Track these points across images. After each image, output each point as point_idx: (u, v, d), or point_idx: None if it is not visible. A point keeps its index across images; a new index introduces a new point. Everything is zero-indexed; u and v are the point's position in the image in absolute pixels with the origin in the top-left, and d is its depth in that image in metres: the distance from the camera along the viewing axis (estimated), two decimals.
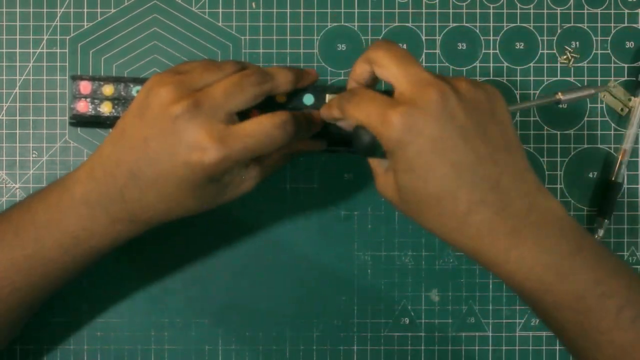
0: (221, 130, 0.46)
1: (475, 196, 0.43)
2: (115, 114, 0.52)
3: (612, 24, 0.62)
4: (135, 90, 0.52)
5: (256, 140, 0.46)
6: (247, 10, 0.61)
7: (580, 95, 0.54)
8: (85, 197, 0.49)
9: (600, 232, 0.60)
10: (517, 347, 0.61)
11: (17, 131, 0.60)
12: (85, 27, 0.61)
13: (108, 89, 0.51)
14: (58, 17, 0.61)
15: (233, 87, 0.47)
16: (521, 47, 0.62)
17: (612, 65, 0.62)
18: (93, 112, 0.52)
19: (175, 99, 0.46)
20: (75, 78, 0.52)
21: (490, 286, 0.61)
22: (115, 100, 0.52)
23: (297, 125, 0.48)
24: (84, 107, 0.51)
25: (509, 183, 0.43)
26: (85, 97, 0.51)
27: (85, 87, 0.51)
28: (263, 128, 0.47)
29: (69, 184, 0.50)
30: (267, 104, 0.50)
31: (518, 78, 0.61)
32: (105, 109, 0.52)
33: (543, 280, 0.43)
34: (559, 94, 0.53)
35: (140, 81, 0.52)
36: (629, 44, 0.62)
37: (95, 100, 0.51)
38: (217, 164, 0.46)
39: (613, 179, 0.61)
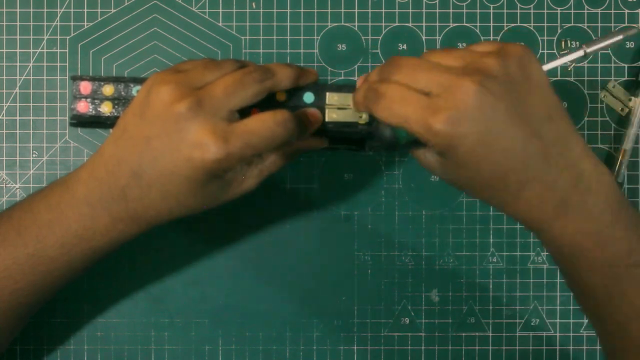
0: (223, 128, 0.46)
1: (525, 175, 0.43)
2: (115, 114, 0.52)
3: (612, 24, 0.62)
4: (135, 90, 0.52)
5: (258, 137, 0.46)
6: (247, 10, 0.61)
7: (607, 44, 0.51)
8: (87, 197, 0.49)
9: None
10: (517, 347, 0.61)
11: (17, 131, 0.60)
12: (85, 27, 0.61)
13: (108, 89, 0.51)
14: (58, 17, 0.61)
15: (234, 85, 0.47)
16: None
17: (612, 65, 0.62)
18: (93, 112, 0.52)
19: (177, 98, 0.46)
20: (75, 78, 0.52)
21: (491, 286, 0.61)
22: (116, 100, 0.52)
23: (297, 123, 0.48)
24: (84, 107, 0.51)
25: (556, 154, 0.44)
26: (86, 97, 0.51)
27: (85, 87, 0.51)
28: (264, 125, 0.47)
29: (71, 184, 0.50)
30: (267, 102, 0.50)
31: None
32: (106, 109, 0.52)
33: (582, 247, 0.45)
34: (584, 46, 0.51)
35: (140, 81, 0.52)
36: (629, 44, 0.62)
37: (96, 101, 0.51)
38: (219, 162, 0.46)
39: None
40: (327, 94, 0.52)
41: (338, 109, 0.52)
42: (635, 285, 0.45)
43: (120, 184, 0.48)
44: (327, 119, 0.52)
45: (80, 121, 0.53)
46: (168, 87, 0.46)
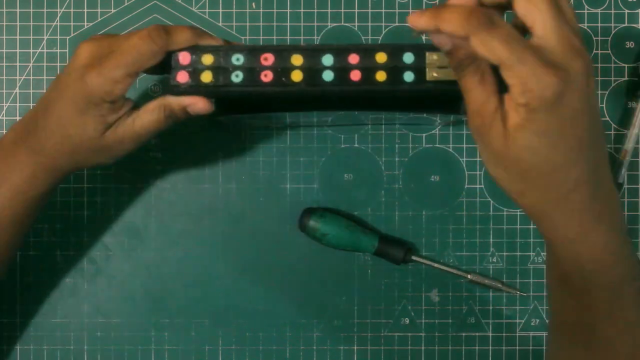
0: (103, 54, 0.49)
1: (583, 175, 0.43)
2: (215, 83, 0.51)
3: (612, 24, 0.62)
4: (235, 58, 0.51)
5: (125, 56, 0.48)
6: (247, 10, 0.61)
7: (487, 284, 0.61)
8: (13, 137, 0.51)
9: None
10: (517, 347, 0.61)
11: None
12: (85, 27, 0.61)
13: (207, 59, 0.51)
14: (58, 17, 0.61)
15: (137, 33, 0.49)
16: None
17: (612, 65, 0.62)
18: (192, 82, 0.51)
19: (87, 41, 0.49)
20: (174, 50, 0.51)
21: None
22: (215, 69, 0.51)
23: (163, 33, 0.49)
24: (183, 77, 0.51)
25: (604, 167, 0.44)
26: (185, 67, 0.51)
27: (184, 57, 0.51)
28: (130, 42, 0.48)
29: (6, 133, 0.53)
30: (281, 77, 0.49)
31: None
32: (206, 78, 0.51)
33: (603, 263, 0.44)
34: (470, 274, 0.61)
35: (239, 49, 0.51)
36: (629, 44, 0.62)
37: (196, 70, 0.51)
38: (97, 82, 0.48)
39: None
40: (427, 53, 0.51)
41: (438, 67, 0.51)
42: (633, 301, 0.46)
43: (36, 117, 0.51)
44: (427, 78, 0.51)
45: (179, 91, 0.51)
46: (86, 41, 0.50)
